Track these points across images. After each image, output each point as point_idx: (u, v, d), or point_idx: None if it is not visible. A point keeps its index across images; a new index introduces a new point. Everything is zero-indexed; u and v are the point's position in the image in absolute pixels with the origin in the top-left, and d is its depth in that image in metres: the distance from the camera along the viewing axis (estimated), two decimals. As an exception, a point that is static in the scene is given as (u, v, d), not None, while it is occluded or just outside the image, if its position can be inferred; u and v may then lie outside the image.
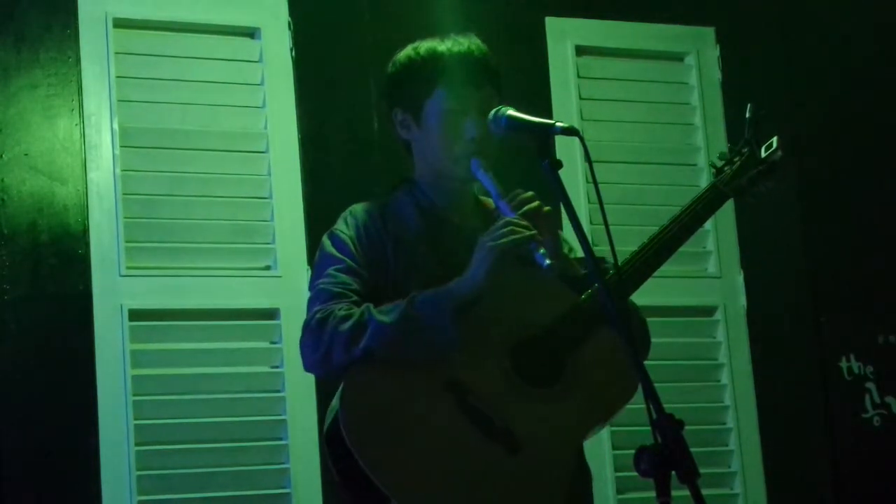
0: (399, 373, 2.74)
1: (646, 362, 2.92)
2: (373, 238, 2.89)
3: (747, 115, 3.10)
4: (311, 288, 2.89)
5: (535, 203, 2.82)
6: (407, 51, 2.97)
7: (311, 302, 2.84)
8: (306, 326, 2.80)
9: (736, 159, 3.07)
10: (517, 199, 2.82)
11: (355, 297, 2.80)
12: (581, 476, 2.90)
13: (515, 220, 2.76)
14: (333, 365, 2.75)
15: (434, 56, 2.92)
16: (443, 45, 2.93)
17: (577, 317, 2.82)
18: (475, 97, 2.89)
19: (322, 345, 2.75)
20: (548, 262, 2.69)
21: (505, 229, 2.74)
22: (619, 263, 2.83)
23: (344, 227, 2.92)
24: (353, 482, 2.72)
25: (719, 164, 3.09)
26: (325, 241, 2.92)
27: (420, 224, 2.93)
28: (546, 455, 2.72)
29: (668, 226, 2.94)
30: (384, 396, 2.73)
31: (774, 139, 3.07)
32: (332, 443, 2.74)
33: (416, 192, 2.98)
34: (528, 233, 2.73)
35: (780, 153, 3.06)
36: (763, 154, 3.07)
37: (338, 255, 2.87)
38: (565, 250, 2.92)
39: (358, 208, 2.97)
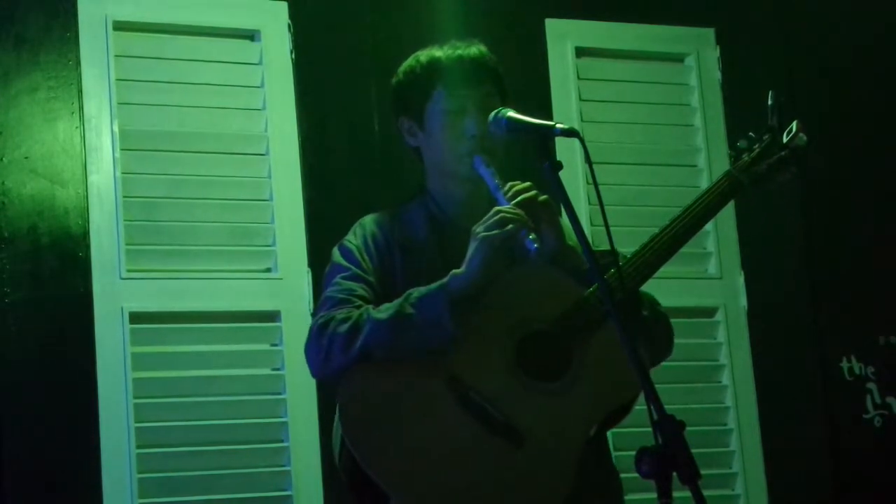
0: (399, 370, 2.75)
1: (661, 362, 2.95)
2: (380, 247, 2.92)
3: (769, 101, 3.06)
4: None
5: (531, 192, 2.83)
6: (409, 60, 3.02)
7: (317, 310, 2.88)
8: (309, 333, 2.83)
9: (756, 146, 3.02)
10: (513, 190, 2.84)
11: (359, 302, 2.82)
12: (608, 478, 2.90)
13: (506, 209, 2.77)
14: (334, 367, 2.76)
15: (432, 61, 2.97)
16: (440, 51, 2.98)
17: (584, 310, 2.81)
18: (473, 96, 2.92)
19: (322, 349, 2.78)
20: (535, 246, 2.70)
21: (495, 218, 2.76)
22: (630, 254, 2.84)
23: (352, 237, 2.97)
24: (356, 483, 2.72)
25: (737, 151, 3.04)
26: (335, 251, 2.97)
27: (430, 232, 2.95)
28: (549, 449, 2.72)
29: (680, 216, 2.92)
30: (383, 394, 2.74)
31: (794, 123, 3.02)
32: (341, 457, 2.75)
33: (427, 200, 3.00)
34: (518, 221, 2.74)
35: (803, 137, 3.01)
36: (785, 139, 3.03)
37: (344, 263, 2.91)
38: (569, 243, 2.91)
39: (368, 219, 3.00)
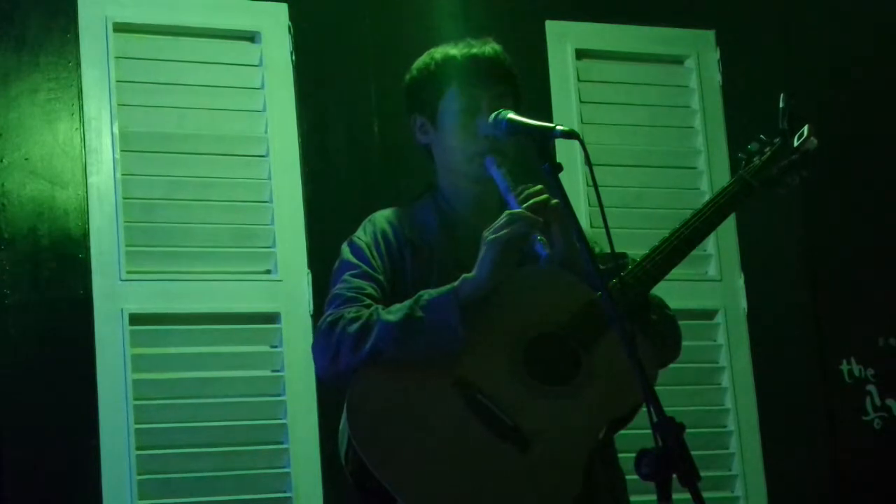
0: (407, 372, 2.74)
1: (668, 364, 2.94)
2: (390, 244, 2.91)
3: (780, 104, 3.05)
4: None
5: (543, 196, 2.82)
6: (423, 57, 3.01)
7: (326, 307, 2.87)
8: (317, 331, 2.82)
9: (766, 150, 3.02)
10: (524, 193, 2.83)
11: (368, 301, 2.81)
12: (615, 479, 2.89)
13: (517, 212, 2.77)
14: (342, 366, 2.75)
15: (446, 59, 2.96)
16: (455, 49, 2.96)
17: (593, 313, 2.80)
18: (487, 95, 2.90)
19: (331, 347, 2.76)
20: (547, 251, 2.69)
21: (504, 220, 2.75)
22: (640, 259, 2.84)
23: (362, 233, 2.95)
24: (373, 495, 2.72)
25: (747, 155, 3.04)
26: (344, 248, 2.95)
27: (440, 230, 2.94)
28: (556, 453, 2.71)
29: (690, 220, 2.92)
30: (391, 396, 2.73)
31: (806, 127, 3.02)
32: (348, 458, 2.74)
33: (437, 197, 2.99)
34: (528, 223, 2.73)
35: (814, 141, 3.01)
36: (796, 143, 3.03)
37: (354, 260, 2.89)
38: (577, 245, 2.90)
39: (378, 215, 2.99)
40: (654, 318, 2.87)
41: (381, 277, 2.87)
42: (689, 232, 2.91)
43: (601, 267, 2.82)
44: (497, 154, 2.87)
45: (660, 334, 2.88)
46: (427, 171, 3.07)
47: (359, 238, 2.94)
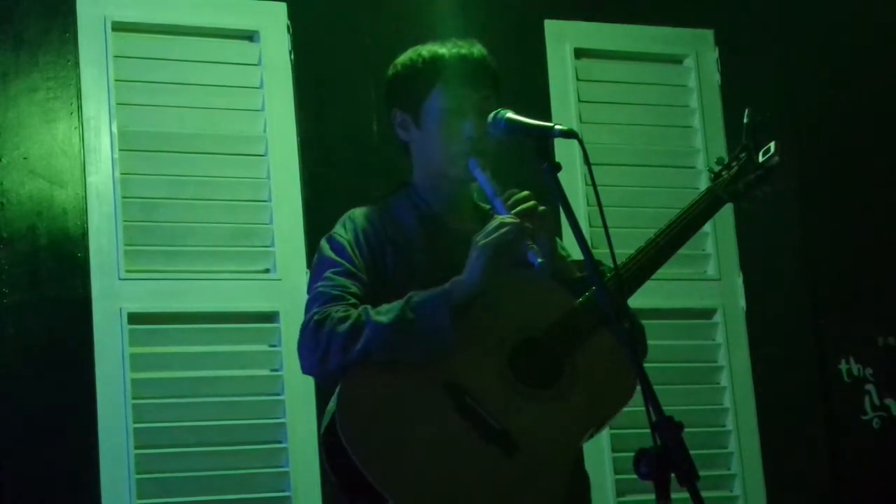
0: (396, 374, 2.74)
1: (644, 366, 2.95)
2: (371, 242, 2.90)
3: (745, 119, 3.10)
4: (309, 291, 2.89)
5: (531, 203, 2.83)
6: (408, 53, 3.00)
7: (309, 305, 2.85)
8: (304, 329, 2.80)
9: (734, 164, 3.07)
10: (512, 199, 2.83)
11: (353, 300, 2.81)
12: (579, 481, 2.90)
13: (508, 219, 2.77)
14: (331, 367, 2.75)
15: (434, 58, 2.95)
16: (443, 48, 2.96)
17: (574, 319, 2.82)
18: (473, 97, 2.91)
19: (319, 347, 2.75)
20: (540, 260, 2.70)
21: (495, 225, 2.76)
22: (617, 267, 2.85)
23: (342, 230, 2.93)
24: (348, 483, 2.72)
25: (717, 168, 3.10)
26: (324, 244, 2.93)
27: (417, 228, 2.94)
28: (543, 457, 2.72)
29: (665, 230, 2.95)
30: (381, 397, 2.73)
31: (772, 144, 3.07)
32: (327, 443, 2.74)
33: (413, 195, 2.99)
34: (519, 230, 2.73)
35: (777, 158, 3.06)
36: (761, 159, 3.06)
37: (336, 258, 2.87)
38: (560, 252, 2.93)
39: (357, 213, 2.98)
40: (627, 325, 2.89)
41: (363, 276, 2.86)
42: (665, 242, 2.95)
43: (578, 274, 2.86)
44: (480, 156, 2.87)
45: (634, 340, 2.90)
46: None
47: (339, 235, 2.92)
